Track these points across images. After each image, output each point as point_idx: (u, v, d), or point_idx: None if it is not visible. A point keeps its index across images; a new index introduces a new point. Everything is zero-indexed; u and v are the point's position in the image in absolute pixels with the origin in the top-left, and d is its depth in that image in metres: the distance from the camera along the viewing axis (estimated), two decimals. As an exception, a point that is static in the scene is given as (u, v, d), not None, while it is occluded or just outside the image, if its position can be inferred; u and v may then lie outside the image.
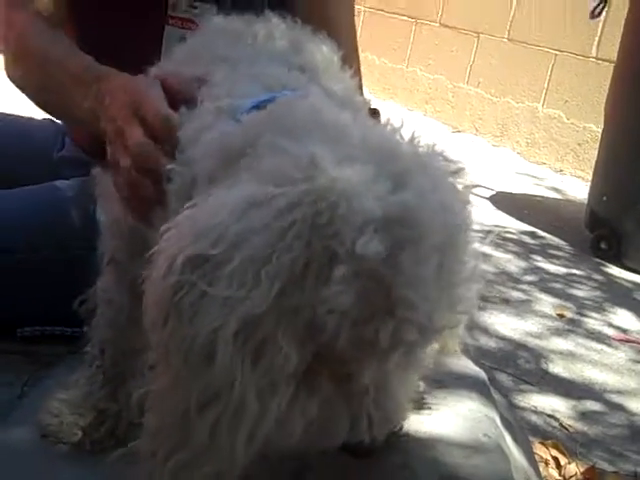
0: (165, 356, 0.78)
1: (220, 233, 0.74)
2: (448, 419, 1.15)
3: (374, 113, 1.31)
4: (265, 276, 0.72)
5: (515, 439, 1.28)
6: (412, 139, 0.84)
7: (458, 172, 0.86)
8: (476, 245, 0.89)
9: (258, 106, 0.92)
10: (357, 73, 1.36)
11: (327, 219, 0.72)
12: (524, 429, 1.57)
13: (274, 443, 0.78)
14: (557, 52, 5.07)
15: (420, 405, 1.13)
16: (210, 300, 0.73)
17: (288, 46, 1.11)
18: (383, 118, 1.06)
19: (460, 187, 0.85)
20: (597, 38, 4.81)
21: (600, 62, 4.80)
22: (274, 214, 0.73)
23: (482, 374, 1.37)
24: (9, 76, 1.40)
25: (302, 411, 0.78)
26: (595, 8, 3.69)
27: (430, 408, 1.15)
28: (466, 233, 0.81)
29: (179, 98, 1.01)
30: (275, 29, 1.12)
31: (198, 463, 0.78)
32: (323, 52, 1.13)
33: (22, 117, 1.79)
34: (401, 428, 0.97)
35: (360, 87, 1.38)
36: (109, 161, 1.05)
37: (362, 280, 0.72)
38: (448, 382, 1.25)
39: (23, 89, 1.38)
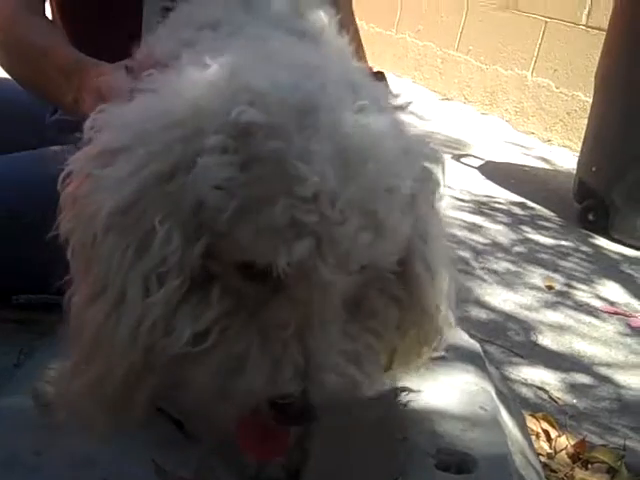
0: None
1: (128, 128, 0.78)
2: (445, 392, 1.15)
3: (378, 75, 1.31)
4: (148, 159, 0.74)
5: (510, 411, 1.29)
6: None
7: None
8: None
9: None
10: (355, 37, 1.36)
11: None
12: (517, 401, 1.58)
13: (162, 344, 0.76)
14: (547, 19, 5.03)
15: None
16: (98, 187, 0.75)
17: (287, 11, 1.10)
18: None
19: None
20: (587, 6, 4.77)
21: (590, 30, 4.76)
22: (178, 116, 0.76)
23: (477, 346, 1.37)
24: None
25: (193, 315, 0.75)
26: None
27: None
28: (388, 150, 0.77)
29: None
30: None
31: (83, 369, 0.78)
32: (322, 18, 1.12)
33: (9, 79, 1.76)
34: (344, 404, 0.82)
35: (359, 52, 1.38)
36: None
37: (247, 154, 0.72)
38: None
39: (10, 74, 1.42)
